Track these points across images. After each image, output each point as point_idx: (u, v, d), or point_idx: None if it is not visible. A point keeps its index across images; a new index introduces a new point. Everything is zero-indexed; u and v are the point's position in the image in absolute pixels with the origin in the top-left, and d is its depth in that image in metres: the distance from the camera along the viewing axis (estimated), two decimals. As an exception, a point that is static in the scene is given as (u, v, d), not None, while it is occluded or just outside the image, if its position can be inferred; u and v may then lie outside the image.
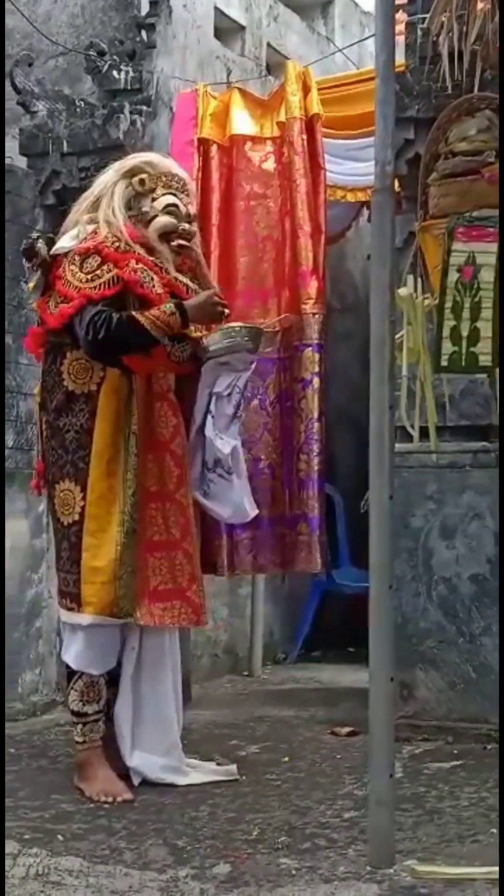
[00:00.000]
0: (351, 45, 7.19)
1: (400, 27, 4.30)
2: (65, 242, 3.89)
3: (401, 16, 4.53)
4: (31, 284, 4.00)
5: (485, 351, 3.91)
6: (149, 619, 3.77)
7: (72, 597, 3.79)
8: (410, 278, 4.12)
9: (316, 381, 4.83)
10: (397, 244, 4.10)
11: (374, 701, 2.93)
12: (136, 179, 3.92)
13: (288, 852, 3.12)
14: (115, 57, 5.45)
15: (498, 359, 3.91)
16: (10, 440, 5.14)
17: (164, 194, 3.92)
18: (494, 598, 4.30)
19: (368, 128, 3.93)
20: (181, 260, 3.97)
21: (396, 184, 3.97)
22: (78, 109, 5.41)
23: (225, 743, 4.41)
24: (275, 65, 6.54)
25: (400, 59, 4.26)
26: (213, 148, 5.06)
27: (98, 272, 3.77)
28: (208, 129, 5.10)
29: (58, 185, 5.36)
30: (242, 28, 6.46)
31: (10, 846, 3.07)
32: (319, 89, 5.06)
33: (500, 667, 4.25)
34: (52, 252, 3.90)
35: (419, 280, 4.15)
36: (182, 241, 3.94)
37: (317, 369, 4.84)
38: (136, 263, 3.78)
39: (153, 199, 3.92)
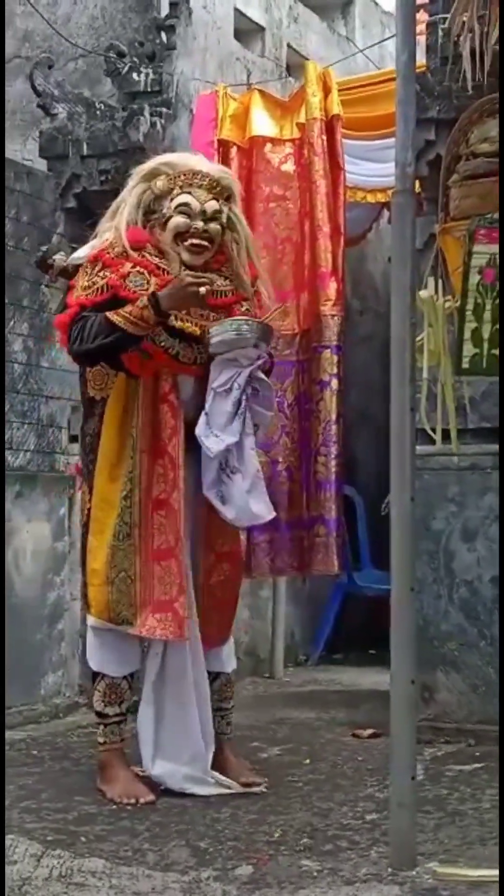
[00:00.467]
0: (371, 45, 7.19)
1: (421, 27, 4.28)
2: (81, 252, 3.92)
3: (422, 16, 4.51)
4: (55, 309, 4.00)
5: (507, 353, 3.90)
6: (142, 629, 3.73)
7: (84, 597, 3.94)
8: (431, 280, 4.11)
9: (334, 382, 4.83)
10: (418, 246, 4.08)
11: (396, 703, 2.93)
12: (155, 182, 3.87)
13: (310, 854, 3.11)
14: (134, 59, 5.46)
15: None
16: (31, 443, 5.16)
17: (179, 194, 3.83)
18: (516, 601, 4.29)
19: (389, 129, 3.92)
20: (213, 258, 3.86)
21: (417, 185, 3.96)
22: (98, 112, 5.41)
23: (246, 745, 4.40)
24: (295, 65, 6.54)
25: (421, 59, 4.25)
26: (233, 150, 5.07)
27: (96, 279, 3.77)
28: (228, 130, 5.11)
29: (78, 188, 5.36)
30: (262, 29, 6.47)
31: (34, 848, 3.08)
32: (339, 90, 5.06)
33: (501, 667, 4.24)
34: (69, 262, 3.92)
35: (440, 282, 4.14)
36: (195, 241, 3.82)
37: (335, 371, 4.83)
38: (133, 267, 3.74)
39: (171, 200, 3.85)
